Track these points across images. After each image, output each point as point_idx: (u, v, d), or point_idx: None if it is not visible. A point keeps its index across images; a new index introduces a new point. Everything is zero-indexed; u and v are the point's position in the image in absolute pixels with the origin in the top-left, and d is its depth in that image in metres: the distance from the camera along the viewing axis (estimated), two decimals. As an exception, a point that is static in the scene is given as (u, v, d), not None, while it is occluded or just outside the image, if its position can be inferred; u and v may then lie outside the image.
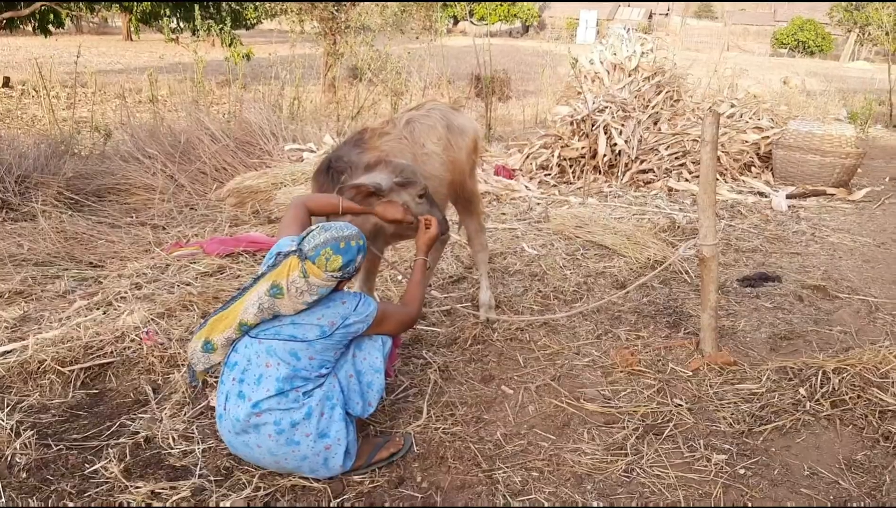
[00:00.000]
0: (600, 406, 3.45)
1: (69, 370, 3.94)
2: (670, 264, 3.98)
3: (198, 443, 3.26)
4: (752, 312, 4.57)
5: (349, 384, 2.91)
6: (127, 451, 3.20)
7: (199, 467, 3.08)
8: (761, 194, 8.12)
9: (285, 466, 2.89)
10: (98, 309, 4.75)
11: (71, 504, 2.83)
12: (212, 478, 2.99)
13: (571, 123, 9.21)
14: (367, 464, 3.02)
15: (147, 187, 7.68)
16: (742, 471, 2.98)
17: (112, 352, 4.12)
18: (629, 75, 10.11)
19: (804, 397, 3.46)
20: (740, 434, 3.23)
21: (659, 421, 3.33)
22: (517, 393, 3.60)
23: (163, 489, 2.91)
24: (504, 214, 7.04)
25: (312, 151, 8.51)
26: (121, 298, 4.95)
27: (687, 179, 8.57)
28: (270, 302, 2.76)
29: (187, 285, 5.21)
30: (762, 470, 2.99)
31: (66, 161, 8.45)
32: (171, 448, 3.23)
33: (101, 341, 4.19)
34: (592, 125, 9.07)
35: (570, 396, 3.55)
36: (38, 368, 3.93)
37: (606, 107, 9.23)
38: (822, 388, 3.49)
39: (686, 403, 3.47)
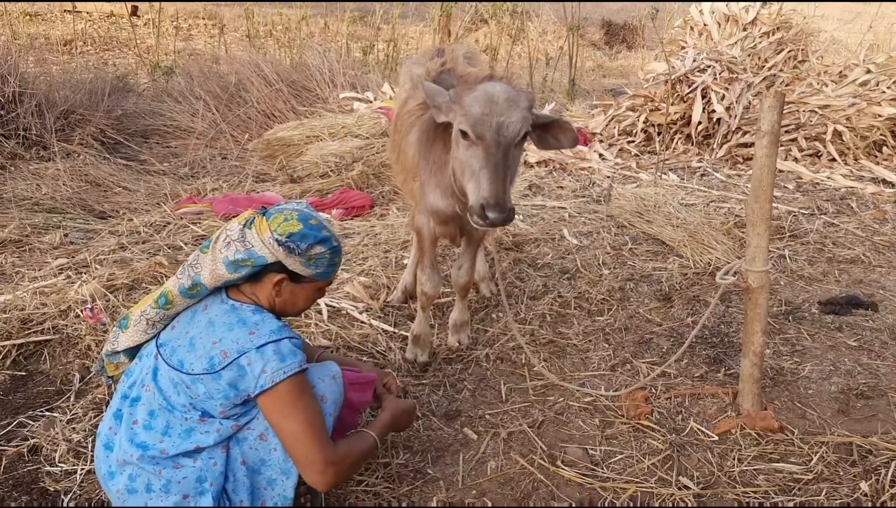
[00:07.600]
0: (579, 475, 2.63)
1: (1, 346, 3.53)
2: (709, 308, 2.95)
3: (84, 461, 2.73)
4: (828, 351, 3.52)
5: (237, 470, 2.15)
6: (2, 463, 2.73)
7: (69, 497, 2.55)
8: (886, 182, 6.69)
9: None
10: (65, 271, 4.34)
11: None
12: (73, 517, 2.46)
13: (665, 83, 8.01)
14: None
15: (190, 131, 7.27)
16: None
17: (52, 328, 3.67)
18: (744, 29, 8.72)
19: (865, 495, 2.51)
20: (759, 546, 2.34)
21: (650, 510, 2.49)
22: (481, 440, 2.84)
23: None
24: (561, 187, 6.10)
25: (369, 102, 7.81)
26: (100, 259, 4.51)
27: (796, 159, 7.27)
28: (196, 258, 2.15)
29: (178, 249, 4.71)
30: None
31: (122, 98, 8.20)
32: (54, 466, 2.72)
33: (43, 314, 3.74)
34: (689, 87, 7.85)
35: (546, 453, 2.75)
36: (-28, 341, 3.55)
37: (709, 66, 7.96)
38: (892, 486, 2.53)
39: (696, 485, 2.60)
